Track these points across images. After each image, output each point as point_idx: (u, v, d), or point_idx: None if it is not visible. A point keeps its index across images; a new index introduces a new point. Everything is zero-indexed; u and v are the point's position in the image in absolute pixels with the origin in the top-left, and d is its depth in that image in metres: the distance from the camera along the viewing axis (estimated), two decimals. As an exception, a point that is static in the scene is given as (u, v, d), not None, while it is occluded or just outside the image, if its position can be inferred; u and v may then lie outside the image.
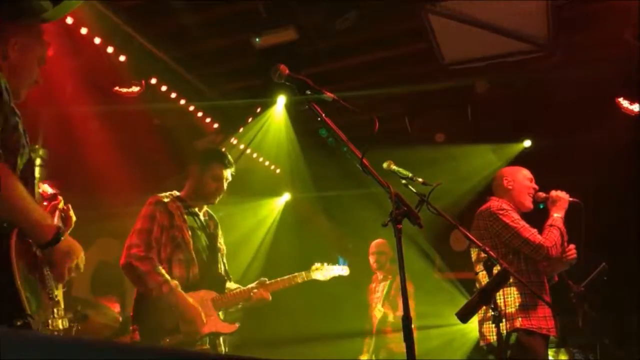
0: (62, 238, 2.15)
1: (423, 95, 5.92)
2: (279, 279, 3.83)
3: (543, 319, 3.66)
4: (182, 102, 5.58)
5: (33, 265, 2.07)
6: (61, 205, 2.56)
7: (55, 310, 2.12)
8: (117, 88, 4.87)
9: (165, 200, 3.60)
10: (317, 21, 4.65)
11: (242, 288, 3.70)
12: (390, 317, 5.77)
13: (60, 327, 2.13)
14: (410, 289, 5.78)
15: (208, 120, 6.06)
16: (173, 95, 5.45)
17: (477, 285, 3.96)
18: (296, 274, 3.98)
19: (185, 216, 3.62)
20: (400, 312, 5.70)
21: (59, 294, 2.21)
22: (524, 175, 4.02)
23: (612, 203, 5.71)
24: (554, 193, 3.87)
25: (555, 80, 5.48)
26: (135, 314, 3.45)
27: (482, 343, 3.83)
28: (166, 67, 5.26)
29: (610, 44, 4.94)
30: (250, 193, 6.84)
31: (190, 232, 3.57)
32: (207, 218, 3.83)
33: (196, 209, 3.75)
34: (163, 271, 3.37)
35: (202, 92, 5.80)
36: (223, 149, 4.43)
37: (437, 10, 4.54)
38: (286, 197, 7.52)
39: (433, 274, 7.27)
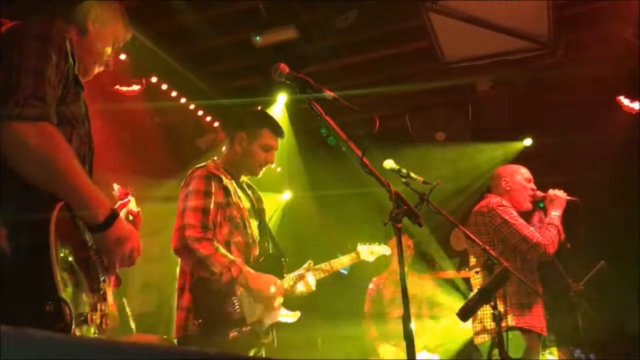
0: (115, 222, 1.83)
1: (423, 94, 5.92)
2: (324, 263, 3.46)
3: (537, 318, 3.68)
4: (183, 100, 5.59)
5: (78, 247, 1.75)
6: (132, 205, 2.26)
7: (98, 305, 1.80)
8: (117, 87, 4.88)
9: (218, 173, 3.10)
10: (317, 20, 4.66)
11: (297, 273, 3.28)
12: None
13: (103, 325, 1.79)
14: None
15: (208, 118, 6.07)
16: (173, 93, 5.45)
17: (472, 281, 3.96)
18: (347, 255, 3.75)
19: (239, 191, 3.14)
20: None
21: (107, 288, 1.90)
22: (522, 175, 4.01)
23: (612, 202, 5.71)
24: (551, 192, 3.87)
25: (556, 78, 5.48)
26: (195, 305, 2.92)
27: (477, 342, 3.82)
28: (167, 66, 5.26)
29: (611, 42, 4.94)
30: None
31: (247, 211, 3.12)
32: (251, 190, 3.33)
33: (240, 180, 3.27)
34: (226, 251, 2.94)
35: (203, 90, 5.81)
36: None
37: (437, 9, 4.54)
38: (286, 195, 7.53)
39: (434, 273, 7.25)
